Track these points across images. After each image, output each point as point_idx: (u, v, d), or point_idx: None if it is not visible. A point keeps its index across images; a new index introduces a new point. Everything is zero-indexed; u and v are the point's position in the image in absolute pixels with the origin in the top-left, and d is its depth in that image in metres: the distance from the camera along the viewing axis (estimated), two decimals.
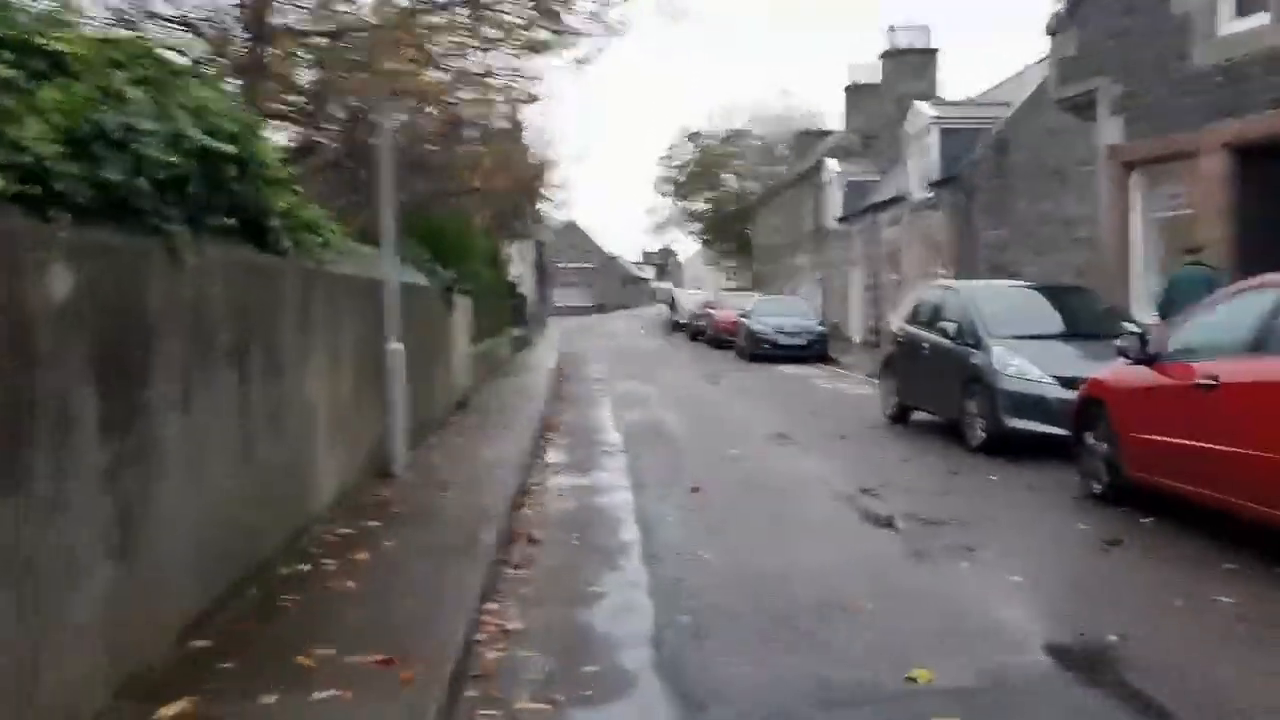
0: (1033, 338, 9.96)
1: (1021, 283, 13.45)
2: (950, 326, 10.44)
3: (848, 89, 42.18)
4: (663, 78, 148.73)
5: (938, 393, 10.90)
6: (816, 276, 37.41)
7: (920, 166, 24.82)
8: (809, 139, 50.20)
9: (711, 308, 33.56)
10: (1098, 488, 7.40)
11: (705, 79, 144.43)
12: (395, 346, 8.45)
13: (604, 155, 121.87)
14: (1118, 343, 7.11)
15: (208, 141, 4.32)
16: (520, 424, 12.23)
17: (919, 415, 12.10)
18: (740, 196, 60.49)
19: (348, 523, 6.52)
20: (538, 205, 30.71)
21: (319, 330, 6.54)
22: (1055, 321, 10.50)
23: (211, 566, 4.54)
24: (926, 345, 11.16)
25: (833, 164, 33.94)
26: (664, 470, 9.37)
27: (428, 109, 12.02)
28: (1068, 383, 9.16)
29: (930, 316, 11.44)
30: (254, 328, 5.22)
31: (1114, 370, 7.33)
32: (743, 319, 26.25)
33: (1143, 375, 6.82)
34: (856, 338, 30.41)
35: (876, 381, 17.70)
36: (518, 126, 15.88)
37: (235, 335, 4.91)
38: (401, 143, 12.65)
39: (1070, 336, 10.09)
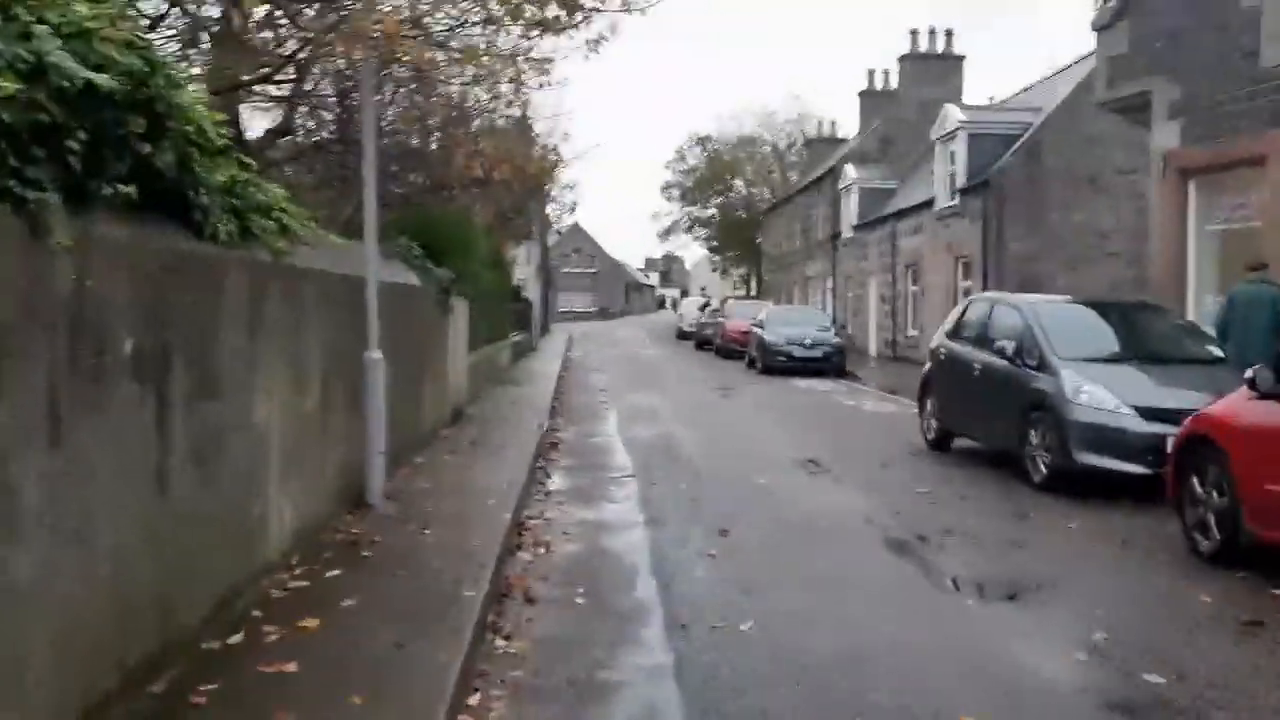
0: (1105, 360, 8.76)
1: (1080, 298, 12.18)
2: (1007, 345, 9.22)
3: (863, 94, 41.08)
4: (670, 81, 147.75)
5: (990, 419, 9.70)
6: (829, 286, 36.23)
7: (945, 173, 23.65)
8: (821, 145, 49.12)
9: (721, 316, 32.37)
10: (1206, 545, 6.19)
11: (714, 84, 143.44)
12: (375, 356, 7.26)
13: (610, 158, 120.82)
14: (1246, 373, 5.90)
15: (97, 79, 3.14)
16: (519, 440, 11.04)
17: (962, 441, 10.91)
18: (749, 203, 59.36)
19: (305, 571, 5.33)
20: (545, 205, 29.53)
21: (275, 337, 5.35)
22: (1127, 342, 9.30)
23: (92, 659, 3.34)
24: (977, 365, 9.95)
25: (850, 170, 32.77)
26: (682, 502, 8.18)
27: (426, 91, 10.83)
28: (1148, 414, 7.97)
29: (979, 333, 10.24)
30: (177, 334, 4.03)
31: (1231, 405, 6.12)
32: (755, 329, 25.05)
33: (1276, 414, 5.61)
34: (872, 350, 29.22)
35: (896, 397, 16.70)
36: (525, 118, 14.70)
37: (146, 344, 3.72)
38: (398, 128, 11.54)
39: (1146, 359, 8.88)
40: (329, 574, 5.32)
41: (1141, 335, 9.55)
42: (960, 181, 22.40)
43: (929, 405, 11.23)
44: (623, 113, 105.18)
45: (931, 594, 5.62)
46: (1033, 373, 8.87)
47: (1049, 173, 20.71)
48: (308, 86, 9.47)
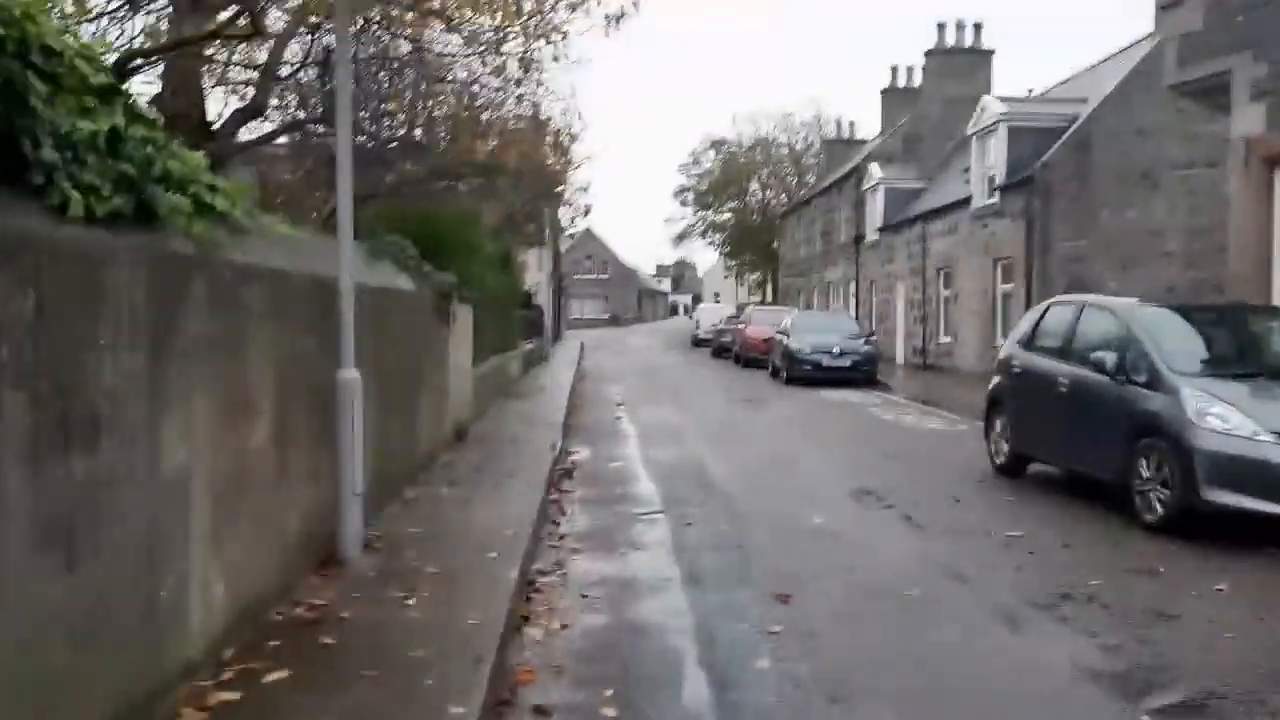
0: (1230, 376, 7.31)
1: (1169, 301, 10.73)
2: (1105, 357, 7.76)
3: (885, 92, 39.66)
4: (683, 87, 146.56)
5: (1083, 445, 8.25)
6: (851, 291, 34.77)
7: (983, 169, 22.20)
8: (840, 147, 47.70)
9: (740, 323, 30.93)
10: None
11: (728, 86, 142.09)
12: (349, 375, 5.88)
13: (623, 164, 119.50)
14: None
15: None
16: (528, 466, 9.66)
17: (1036, 466, 9.48)
18: (765, 207, 57.94)
19: (238, 675, 3.95)
20: (557, 207, 28.19)
21: (201, 356, 3.97)
22: (1247, 352, 7.87)
23: None
24: (1063, 381, 8.50)
25: (876, 169, 31.31)
26: (725, 550, 6.76)
27: (426, 72, 9.47)
28: None
29: (1064, 342, 8.80)
30: (10, 355, 2.66)
31: None
32: (780, 336, 23.62)
33: None
34: (900, 358, 27.73)
35: (939, 410, 15.17)
36: (537, 110, 13.34)
37: None
38: (388, 108, 10.23)
39: (1277, 374, 7.43)
40: (270, 678, 3.92)
41: (1261, 344, 8.10)
42: (1000, 178, 20.94)
43: (998, 425, 9.78)
44: (635, 118, 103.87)
45: (1084, 703, 4.18)
46: (1141, 390, 7.41)
47: (1099, 167, 19.24)
48: (284, 71, 8.18)
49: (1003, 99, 21.43)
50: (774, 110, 79.99)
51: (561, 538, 7.23)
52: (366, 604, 4.98)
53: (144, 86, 7.92)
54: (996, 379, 10.06)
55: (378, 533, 6.46)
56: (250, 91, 8.25)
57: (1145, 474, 7.22)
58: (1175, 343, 7.63)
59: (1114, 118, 19.22)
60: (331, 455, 5.80)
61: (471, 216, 16.72)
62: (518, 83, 9.60)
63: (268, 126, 9.51)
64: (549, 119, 8.91)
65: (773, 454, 11.51)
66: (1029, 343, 9.49)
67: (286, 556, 5.12)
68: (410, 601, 5.03)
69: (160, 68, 7.13)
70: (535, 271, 32.90)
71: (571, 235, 45.68)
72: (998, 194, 21.09)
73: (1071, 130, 19.45)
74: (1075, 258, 19.28)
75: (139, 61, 6.85)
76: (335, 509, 5.80)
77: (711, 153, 60.62)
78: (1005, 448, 9.57)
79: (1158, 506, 7.09)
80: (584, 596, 5.69)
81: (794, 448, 12.06)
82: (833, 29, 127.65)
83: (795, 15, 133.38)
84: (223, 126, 7.92)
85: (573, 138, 8.74)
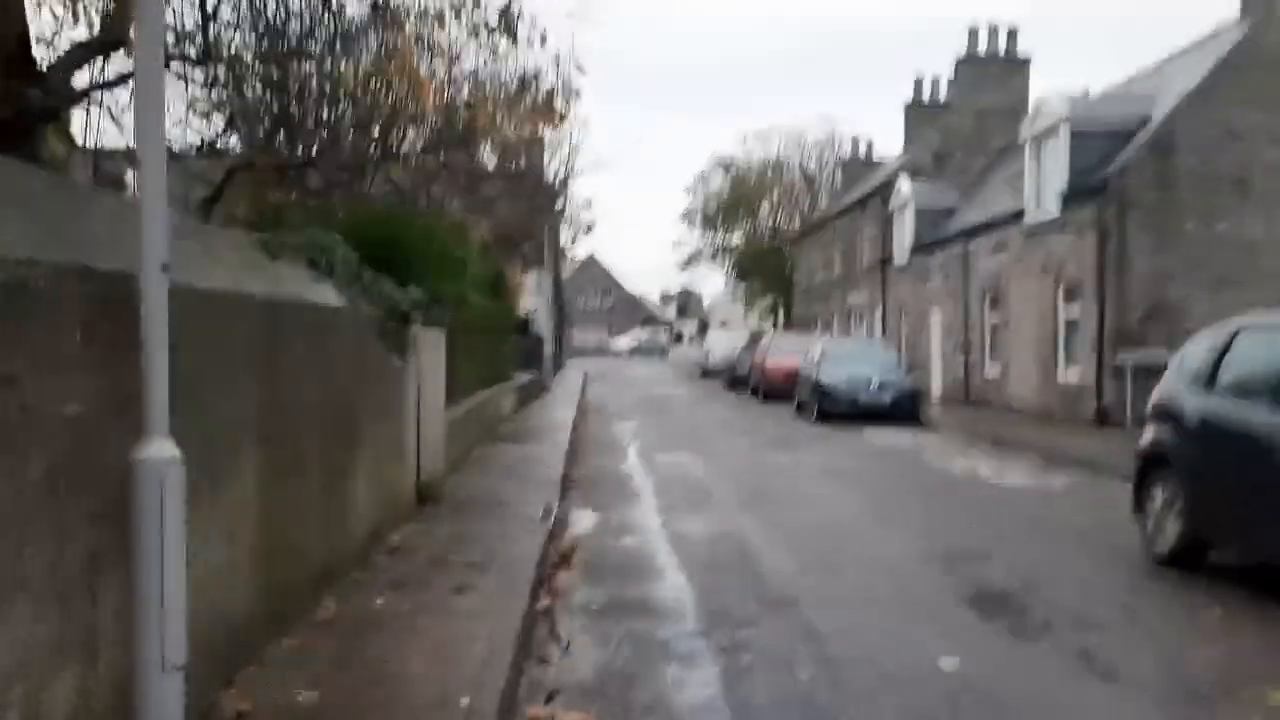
0: None
1: None
2: None
3: (909, 107, 37.21)
4: (688, 105, 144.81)
5: None
6: (877, 317, 32.14)
7: (1039, 179, 19.61)
8: (856, 167, 45.26)
9: (759, 352, 28.27)
10: None
11: (736, 106, 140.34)
12: (162, 454, 3.23)
13: (626, 187, 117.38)
14: None
15: None
16: (510, 547, 7.02)
17: (1215, 552, 6.80)
18: (777, 230, 55.43)
19: None
20: (558, 223, 25.62)
21: None
22: None
23: None
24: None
25: (905, 186, 28.75)
26: None
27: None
28: None
29: (1274, 382, 6.13)
30: None
31: None
32: (808, 368, 20.96)
33: None
34: (936, 391, 25.02)
35: (1010, 455, 12.16)
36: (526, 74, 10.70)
37: None
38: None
39: None
40: None
41: None
42: (1060, 186, 18.33)
43: (1158, 495, 7.10)
44: (640, 140, 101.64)
45: None
46: None
47: (1183, 173, 16.63)
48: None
49: (1063, 98, 18.87)
50: (786, 129, 77.28)
51: (550, 698, 4.54)
52: None
53: None
54: (1154, 431, 7.37)
55: (237, 710, 3.78)
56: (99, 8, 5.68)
57: None
58: None
59: (1199, 117, 16.64)
60: (124, 598, 3.16)
61: (452, 225, 14.16)
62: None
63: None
64: (537, 73, 6.46)
65: (832, 524, 8.81)
66: (1209, 382, 6.81)
67: None
68: None
69: None
70: (534, 295, 30.31)
71: (572, 258, 43.10)
72: (1059, 205, 18.48)
73: (1150, 131, 16.86)
74: (1158, 276, 16.63)
75: None
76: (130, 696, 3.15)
77: (720, 172, 58.24)
78: (1175, 528, 6.86)
79: None
80: None
81: (854, 512, 9.37)
82: (847, 45, 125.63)
83: (807, 32, 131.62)
84: (57, 64, 5.35)
85: (570, 94, 6.32)
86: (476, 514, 8.48)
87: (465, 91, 7.24)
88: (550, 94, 6.37)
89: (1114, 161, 17.02)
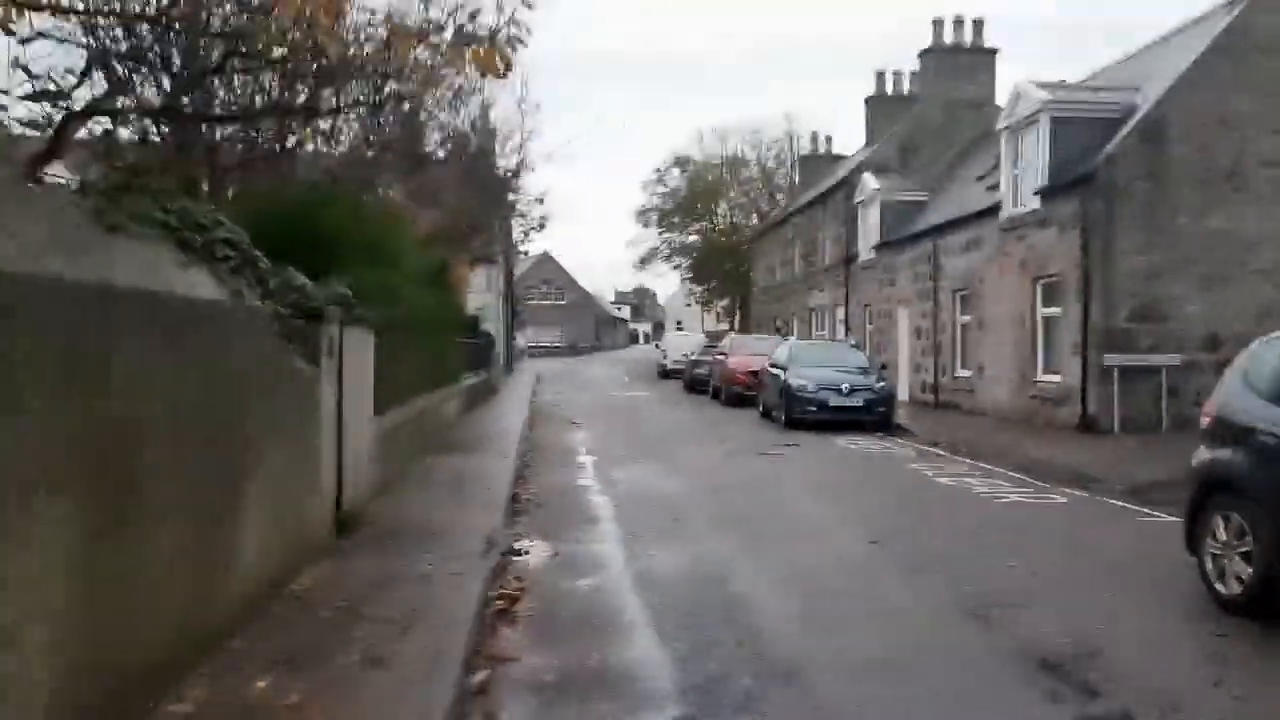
0: None
1: None
2: None
3: (870, 100, 36.34)
4: (645, 102, 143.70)
5: None
6: (839, 318, 31.11)
7: (1016, 171, 18.59)
8: (816, 163, 44.27)
9: (719, 353, 27.07)
10: None
11: (693, 103, 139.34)
12: None
13: (579, 184, 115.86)
14: None
15: None
16: (442, 596, 5.71)
17: None
18: (734, 228, 54.35)
19: None
20: (509, 213, 24.19)
21: None
22: None
23: None
24: None
25: (871, 180, 27.72)
26: None
27: None
28: None
29: None
30: None
31: None
32: (773, 370, 19.77)
33: None
34: (904, 394, 23.95)
35: (1000, 470, 10.75)
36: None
37: None
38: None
39: None
40: None
41: None
42: (1042, 179, 17.33)
43: (1221, 528, 5.94)
44: (596, 139, 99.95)
45: None
46: None
47: (1174, 164, 15.68)
48: None
49: (1043, 84, 17.87)
50: (743, 125, 76.14)
51: None
52: None
53: None
54: (1212, 452, 6.20)
55: None
56: None
57: None
58: None
59: (1189, 103, 15.70)
60: None
61: (387, 210, 12.76)
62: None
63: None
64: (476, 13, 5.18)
65: (830, 558, 7.55)
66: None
67: None
68: None
69: None
70: (484, 292, 28.83)
71: (525, 252, 41.62)
72: (1039, 198, 17.47)
73: (1138, 118, 15.88)
74: (1147, 274, 15.66)
75: None
76: None
77: (676, 171, 57.06)
78: (1246, 568, 5.70)
79: None
80: None
81: (852, 541, 8.12)
82: (805, 42, 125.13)
83: (763, 29, 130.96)
84: None
85: (515, 40, 5.05)
86: (407, 546, 7.12)
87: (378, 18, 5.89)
88: (493, 34, 5.02)
89: (1099, 152, 16.02)
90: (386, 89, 7.87)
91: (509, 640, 5.43)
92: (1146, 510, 9.48)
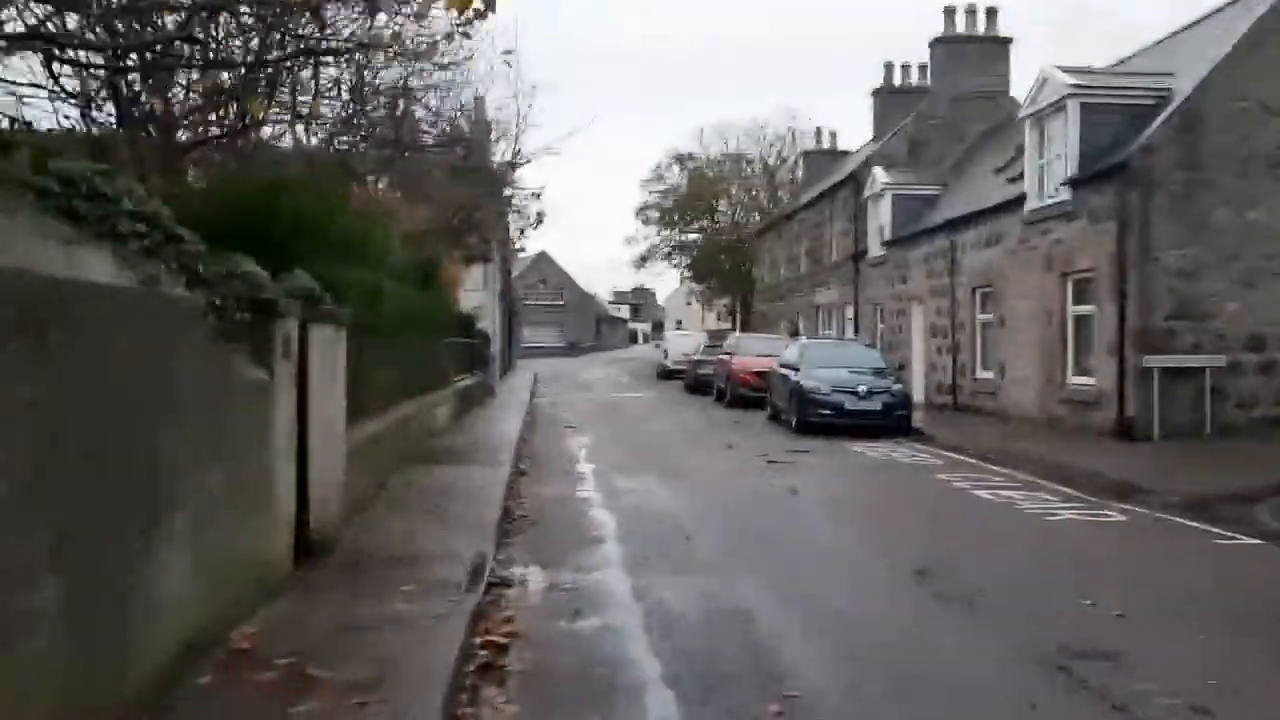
0: None
1: None
2: None
3: (877, 93, 35.31)
4: (645, 98, 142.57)
5: None
6: (848, 316, 30.08)
7: (1041, 161, 17.57)
8: (820, 159, 43.21)
9: (724, 353, 26.05)
10: None
11: (693, 99, 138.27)
12: None
13: (578, 183, 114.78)
14: None
15: None
16: (415, 649, 4.69)
17: None
18: (736, 226, 53.28)
19: None
20: (505, 208, 23.14)
21: None
22: None
23: None
24: None
25: (881, 174, 26.70)
26: None
27: None
28: None
29: None
30: None
31: None
32: (784, 370, 18.76)
33: None
34: (919, 396, 22.90)
35: (1043, 482, 9.52)
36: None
37: None
38: None
39: None
40: None
41: None
42: (1070, 169, 16.30)
43: None
44: (594, 136, 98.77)
45: None
46: None
47: (1215, 153, 14.65)
48: None
49: (1070, 70, 16.84)
50: (745, 121, 74.94)
51: None
52: None
53: None
54: None
55: None
56: None
57: None
58: None
59: (1232, 89, 14.68)
60: None
61: (369, 200, 11.75)
62: None
63: None
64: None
65: (871, 595, 6.53)
66: None
67: None
68: None
69: None
70: (480, 291, 27.80)
71: (521, 249, 40.54)
72: (1068, 190, 16.44)
73: (1176, 104, 14.86)
74: (1186, 270, 14.64)
75: None
76: None
77: (676, 168, 55.99)
78: None
79: None
80: None
81: (894, 574, 7.07)
82: (808, 36, 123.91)
83: (769, 21, 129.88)
84: None
85: None
86: (378, 580, 6.09)
87: None
88: None
89: (1133, 141, 15.01)
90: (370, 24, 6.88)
91: (494, 707, 4.41)
92: (1217, 530, 8.46)
